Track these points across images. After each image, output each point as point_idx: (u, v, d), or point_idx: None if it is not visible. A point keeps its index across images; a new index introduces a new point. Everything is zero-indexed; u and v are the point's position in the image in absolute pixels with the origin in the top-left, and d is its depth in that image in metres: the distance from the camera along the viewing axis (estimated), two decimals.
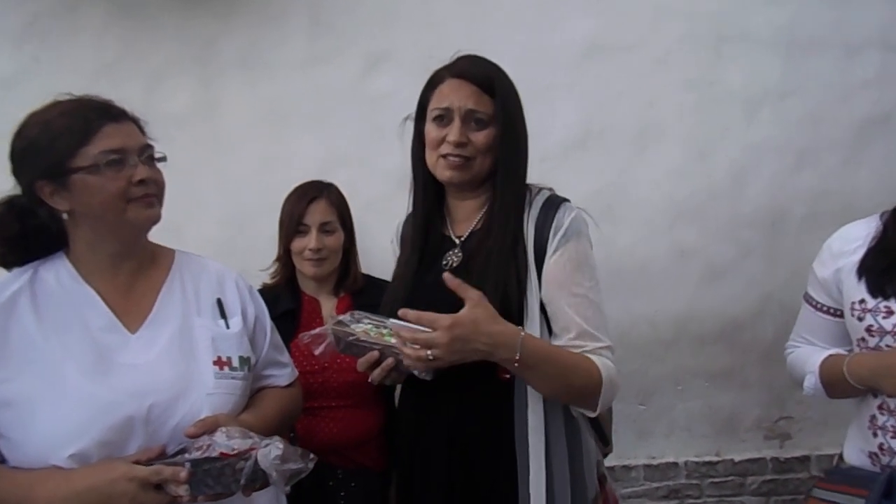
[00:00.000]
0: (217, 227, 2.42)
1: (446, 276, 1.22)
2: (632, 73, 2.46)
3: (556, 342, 1.31)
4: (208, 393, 1.22)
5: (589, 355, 1.29)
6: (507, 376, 1.30)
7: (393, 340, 1.25)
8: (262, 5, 2.39)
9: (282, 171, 2.28)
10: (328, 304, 1.98)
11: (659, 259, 2.52)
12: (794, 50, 2.46)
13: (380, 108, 2.36)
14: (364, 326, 1.32)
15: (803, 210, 2.52)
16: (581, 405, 1.32)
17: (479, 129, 1.35)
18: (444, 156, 1.36)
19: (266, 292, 1.96)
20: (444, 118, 1.36)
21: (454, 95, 1.36)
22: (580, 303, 1.31)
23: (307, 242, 1.91)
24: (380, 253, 1.89)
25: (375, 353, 1.27)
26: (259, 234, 2.21)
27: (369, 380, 1.30)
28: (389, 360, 1.26)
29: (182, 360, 1.24)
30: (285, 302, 1.94)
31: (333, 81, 2.42)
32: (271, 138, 2.43)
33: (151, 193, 1.24)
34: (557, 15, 2.43)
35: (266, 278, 2.04)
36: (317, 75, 2.41)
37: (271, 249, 2.04)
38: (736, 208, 2.52)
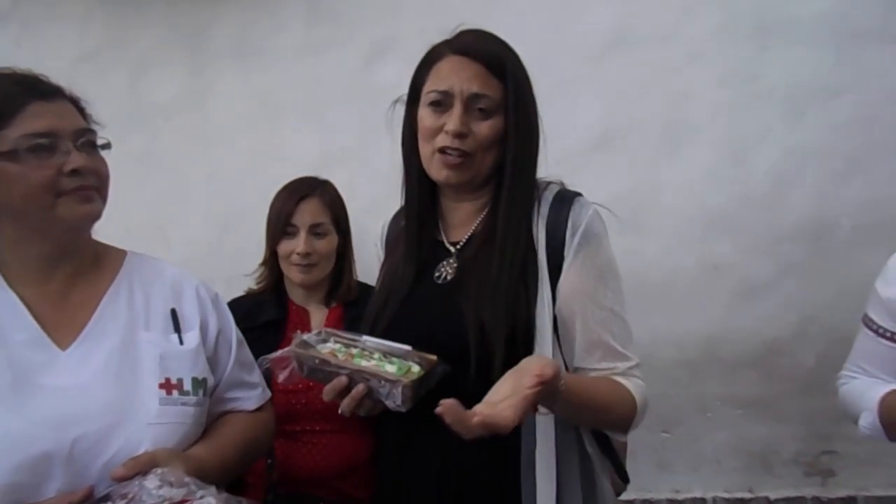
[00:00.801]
0: (204, 227, 2.30)
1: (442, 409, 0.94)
2: (660, 67, 2.28)
3: (580, 364, 1.17)
4: (150, 423, 1.05)
5: (619, 379, 1.16)
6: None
7: (364, 363, 1.09)
8: None
9: (275, 169, 2.13)
10: (318, 315, 1.83)
11: (688, 273, 2.34)
12: (845, 42, 2.25)
13: (382, 101, 2.13)
14: (331, 347, 1.15)
15: (852, 222, 2.30)
16: (613, 432, 1.22)
17: (484, 118, 1.17)
18: (442, 150, 1.18)
19: (249, 299, 1.84)
20: (442, 103, 1.18)
21: (455, 76, 1.17)
22: (606, 317, 1.16)
23: (295, 245, 1.77)
24: (379, 260, 1.75)
25: (343, 379, 1.09)
26: (250, 235, 2.05)
27: (339, 411, 1.11)
28: (360, 388, 1.08)
29: (120, 382, 1.07)
30: (269, 311, 1.79)
31: (332, 72, 2.28)
32: (264, 133, 2.31)
33: (88, 186, 1.07)
34: (578, 2, 2.27)
35: (253, 283, 1.89)
36: (314, 65, 2.28)
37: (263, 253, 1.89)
38: (775, 218, 2.32)
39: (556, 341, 1.16)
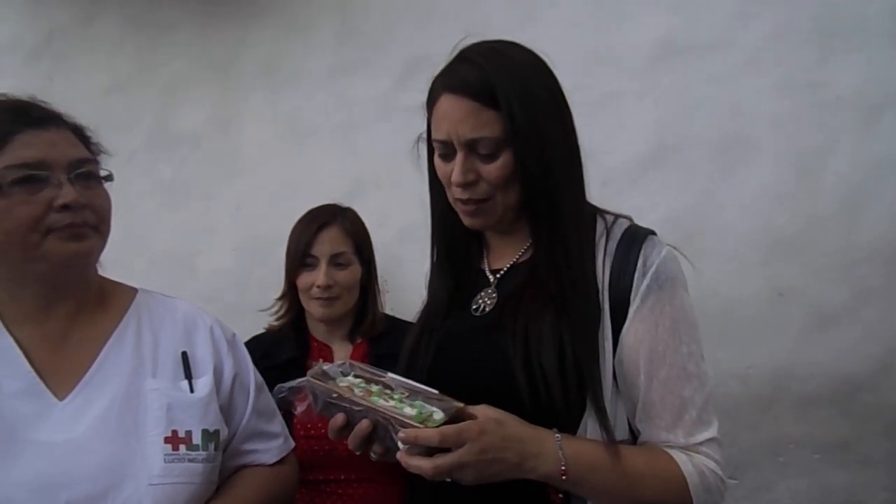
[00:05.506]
0: (232, 258, 2.23)
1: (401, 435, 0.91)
2: (714, 77, 2.12)
3: (638, 427, 1.04)
4: (152, 483, 0.96)
5: (675, 453, 1.00)
6: (561, 496, 1.00)
7: (381, 402, 0.95)
8: (286, 12, 2.22)
9: (306, 194, 2.05)
10: (342, 352, 1.72)
11: (751, 301, 2.14)
12: None
13: (416, 123, 2.07)
14: (350, 380, 1.02)
15: None
16: None
17: (489, 160, 1.05)
18: (458, 200, 1.09)
19: (268, 336, 1.73)
20: (446, 154, 1.08)
21: (449, 121, 1.06)
22: (676, 377, 1.01)
23: (315, 277, 1.67)
24: (414, 290, 1.60)
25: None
26: (279, 267, 1.96)
27: (349, 445, 0.99)
28: (363, 424, 0.95)
29: (120, 436, 0.98)
30: (289, 348, 1.68)
31: (364, 93, 2.21)
32: (294, 158, 2.24)
33: (80, 223, 0.99)
34: (625, 9, 2.13)
35: (273, 319, 1.80)
36: (345, 87, 2.21)
37: None
38: (848, 238, 2.11)
39: (616, 396, 1.03)
